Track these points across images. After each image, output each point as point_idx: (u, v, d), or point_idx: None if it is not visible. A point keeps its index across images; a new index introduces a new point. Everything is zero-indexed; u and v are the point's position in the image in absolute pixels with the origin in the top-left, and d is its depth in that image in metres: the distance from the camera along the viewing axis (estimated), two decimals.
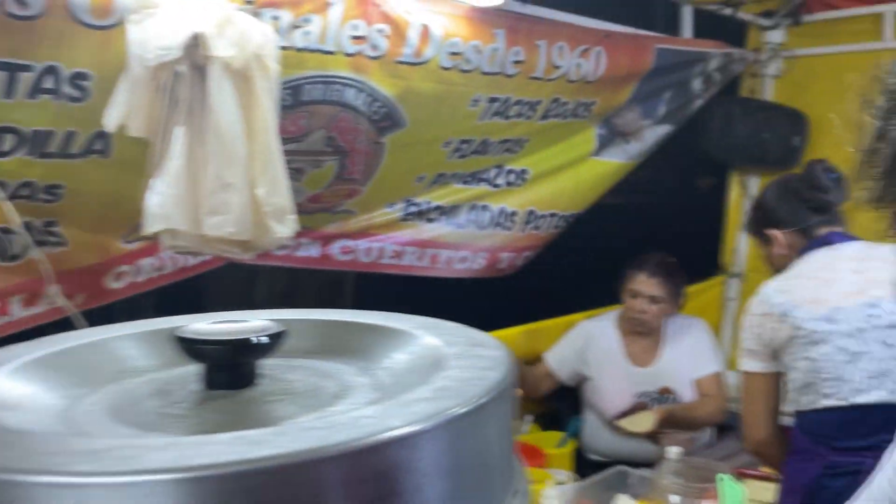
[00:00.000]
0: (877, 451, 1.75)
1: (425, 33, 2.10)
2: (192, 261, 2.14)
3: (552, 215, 2.96)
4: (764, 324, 1.97)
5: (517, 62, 2.36)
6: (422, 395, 0.51)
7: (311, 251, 2.45)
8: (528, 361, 2.92)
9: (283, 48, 1.81)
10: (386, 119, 2.18)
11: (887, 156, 0.54)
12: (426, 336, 0.69)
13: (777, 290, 1.98)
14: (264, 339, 0.59)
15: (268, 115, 1.61)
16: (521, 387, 2.84)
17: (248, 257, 1.78)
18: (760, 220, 2.17)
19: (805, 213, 2.04)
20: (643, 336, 2.82)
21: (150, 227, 1.57)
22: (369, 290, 3.10)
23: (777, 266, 2.11)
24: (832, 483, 1.84)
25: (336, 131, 2.10)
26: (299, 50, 1.89)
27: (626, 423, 2.63)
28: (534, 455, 2.37)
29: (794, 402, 1.97)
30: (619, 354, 2.81)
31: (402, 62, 2.10)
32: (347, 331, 0.76)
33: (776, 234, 2.08)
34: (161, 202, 1.54)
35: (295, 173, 2.13)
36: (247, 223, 1.57)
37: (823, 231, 2.02)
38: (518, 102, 2.48)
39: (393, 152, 2.29)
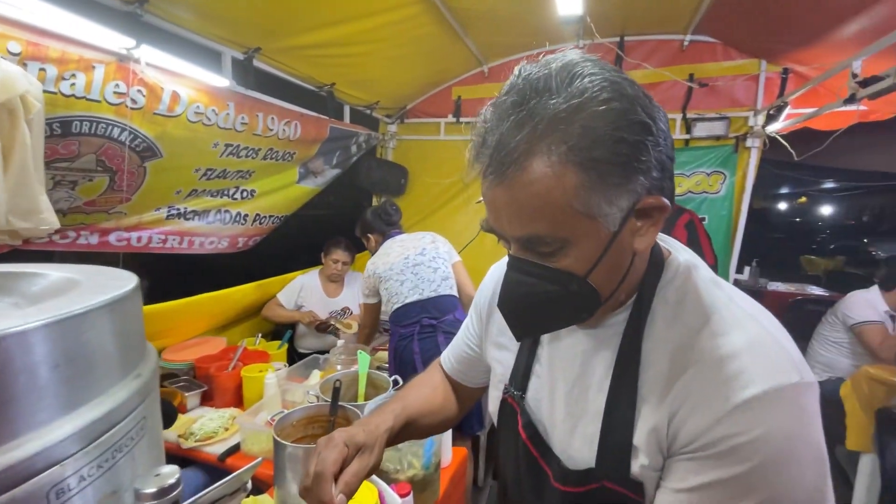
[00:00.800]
0: (418, 325, 1.98)
1: (175, 97, 1.74)
2: None
3: (271, 216, 2.72)
4: (368, 280, 2.12)
5: (243, 123, 2.08)
6: (42, 307, 0.41)
7: (91, 240, 1.89)
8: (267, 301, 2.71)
9: (50, 93, 1.36)
10: (147, 151, 1.75)
11: (475, 168, 0.50)
12: (69, 274, 0.56)
13: (371, 263, 2.16)
14: None
15: (26, 139, 1.18)
16: (268, 314, 2.65)
17: (17, 244, 1.31)
18: (364, 229, 2.35)
19: (382, 225, 2.27)
20: (335, 282, 2.78)
21: None
22: (164, 266, 2.60)
23: (372, 250, 2.30)
24: (402, 343, 2.02)
25: (105, 156, 1.63)
26: (67, 96, 1.42)
27: (342, 326, 2.58)
28: (262, 356, 2.17)
29: (387, 308, 2.13)
30: (321, 292, 2.74)
31: (157, 114, 1.71)
32: (11, 277, 0.58)
33: (370, 236, 2.27)
34: None
35: (70, 184, 1.63)
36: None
37: (390, 232, 2.26)
38: (246, 148, 2.20)
39: (154, 174, 1.86)
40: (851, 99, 1.86)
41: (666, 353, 0.53)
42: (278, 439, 1.04)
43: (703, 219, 2.95)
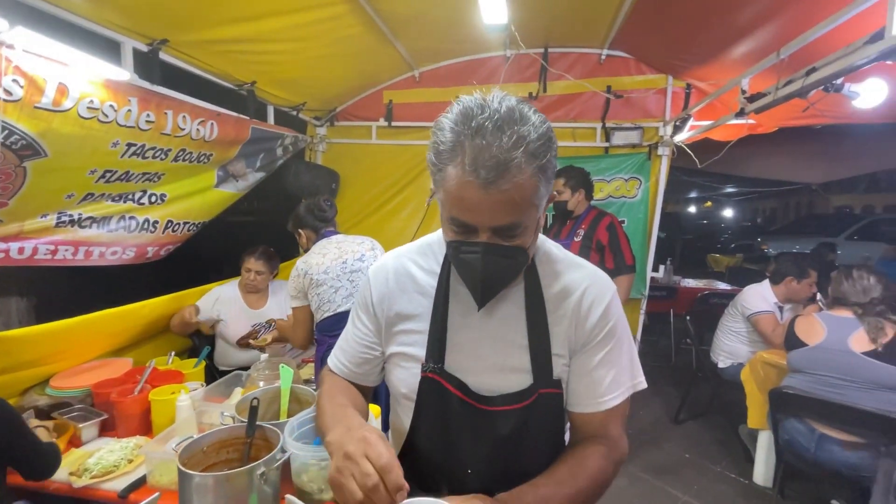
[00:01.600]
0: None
1: (62, 90, 1.54)
2: None
3: (186, 223, 2.50)
4: (298, 280, 2.00)
5: (149, 121, 1.89)
6: None
7: None
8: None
9: None
10: (26, 149, 1.53)
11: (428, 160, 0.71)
12: None
13: (303, 262, 2.01)
14: None
15: None
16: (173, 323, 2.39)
17: None
18: (295, 224, 2.19)
19: (314, 221, 2.14)
20: (255, 293, 2.60)
21: None
22: (58, 280, 2.31)
23: (304, 247, 2.18)
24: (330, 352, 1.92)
25: None
26: None
27: (258, 343, 2.41)
28: (175, 376, 1.98)
29: (316, 316, 2.03)
30: (241, 304, 2.53)
31: (40, 108, 1.50)
32: None
33: (302, 231, 2.15)
34: None
35: None
36: None
37: (324, 230, 2.13)
38: (153, 148, 2.00)
39: (38, 175, 1.62)
40: (741, 112, 2.07)
41: (552, 289, 0.81)
42: (183, 469, 0.94)
43: (623, 221, 3.15)
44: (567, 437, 0.87)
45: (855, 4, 1.34)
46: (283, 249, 3.13)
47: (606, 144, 3.22)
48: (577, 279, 0.82)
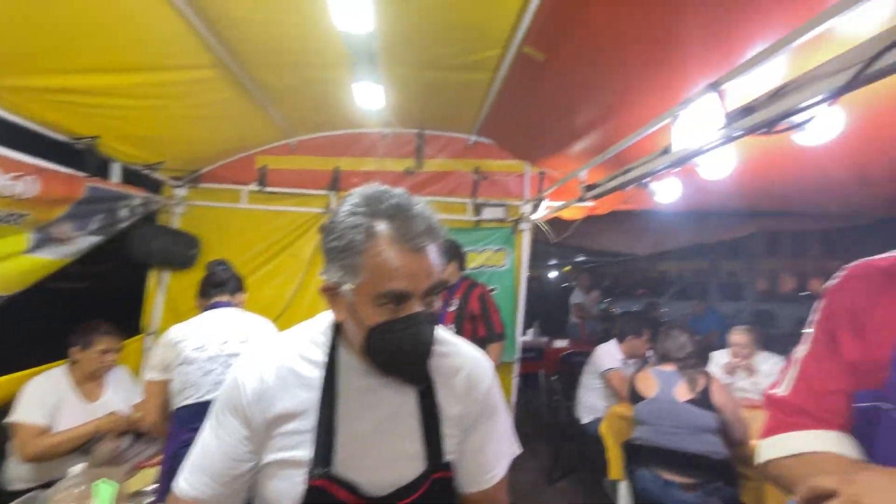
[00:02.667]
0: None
1: None
2: None
3: None
4: (166, 350, 1.71)
5: None
6: None
7: None
8: None
9: None
10: None
11: (330, 252, 0.71)
12: None
13: (175, 330, 1.75)
14: None
15: None
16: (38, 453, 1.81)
17: None
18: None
19: (207, 288, 1.92)
20: (93, 380, 2.05)
21: None
22: None
23: None
24: (184, 451, 1.60)
25: None
26: None
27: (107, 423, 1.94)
28: None
29: (174, 402, 1.72)
30: (75, 397, 1.97)
31: None
32: None
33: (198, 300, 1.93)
34: None
35: None
36: None
37: (215, 300, 1.90)
38: None
39: None
40: (581, 198, 2.46)
41: (438, 370, 0.82)
42: None
43: (494, 289, 3.38)
44: None
45: (647, 127, 1.74)
46: (124, 323, 2.63)
47: (477, 218, 3.50)
48: (461, 359, 0.85)
